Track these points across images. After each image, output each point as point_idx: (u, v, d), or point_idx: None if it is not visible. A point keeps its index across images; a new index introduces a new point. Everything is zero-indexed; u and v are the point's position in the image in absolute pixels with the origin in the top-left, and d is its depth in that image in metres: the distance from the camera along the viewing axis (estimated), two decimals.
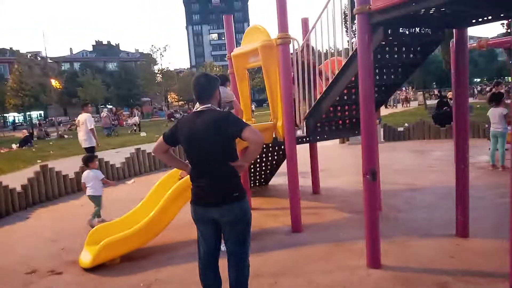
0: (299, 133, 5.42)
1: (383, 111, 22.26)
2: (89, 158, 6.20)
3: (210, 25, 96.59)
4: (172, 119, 32.87)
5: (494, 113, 7.26)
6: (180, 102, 56.28)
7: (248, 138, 2.54)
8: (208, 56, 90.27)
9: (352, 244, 4.38)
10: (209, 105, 2.71)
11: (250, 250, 2.86)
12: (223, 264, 2.87)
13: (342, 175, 8.06)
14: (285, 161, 5.43)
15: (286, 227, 5.05)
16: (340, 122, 5.47)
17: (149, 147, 10.52)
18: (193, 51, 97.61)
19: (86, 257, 4.33)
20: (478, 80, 54.92)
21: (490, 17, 3.37)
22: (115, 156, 11.47)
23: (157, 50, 48.68)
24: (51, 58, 44.61)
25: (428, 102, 26.78)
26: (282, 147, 6.00)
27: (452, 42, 4.20)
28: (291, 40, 4.81)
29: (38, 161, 12.60)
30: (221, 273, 2.91)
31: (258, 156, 6.52)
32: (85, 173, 6.00)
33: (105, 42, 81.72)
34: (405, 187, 6.69)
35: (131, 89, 53.55)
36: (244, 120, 3.01)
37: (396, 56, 4.04)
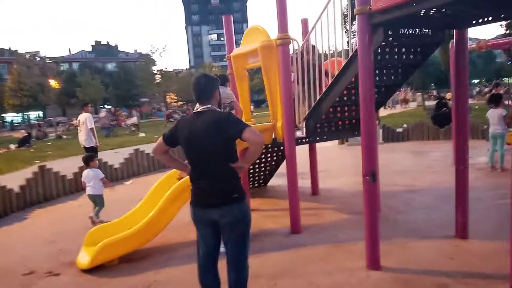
0: (298, 133, 5.41)
1: (382, 112, 22.26)
2: (90, 157, 6.21)
3: (209, 26, 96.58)
4: (171, 120, 32.82)
5: (493, 114, 7.26)
6: (179, 103, 56.23)
7: (248, 139, 2.53)
8: (207, 57, 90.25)
9: (351, 245, 4.37)
10: (209, 105, 2.69)
11: (249, 251, 2.85)
12: (222, 266, 2.86)
13: (341, 176, 8.05)
14: (284, 162, 5.42)
15: (285, 228, 5.03)
16: (340, 123, 5.46)
17: (147, 148, 10.53)
18: (192, 51, 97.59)
19: (84, 258, 4.30)
20: (477, 81, 55.01)
21: (490, 18, 3.37)
22: (114, 157, 11.44)
23: (156, 50, 48.72)
24: (49, 58, 44.54)
25: (427, 103, 26.80)
26: (281, 148, 5.99)
27: (452, 43, 4.20)
28: (291, 40, 4.80)
29: (37, 161, 12.57)
30: (220, 274, 2.90)
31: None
32: (85, 172, 6.01)
33: (104, 43, 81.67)
34: (404, 188, 6.68)
35: (130, 90, 53.47)
36: (244, 121, 2.99)
37: (396, 56, 4.04)
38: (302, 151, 5.95)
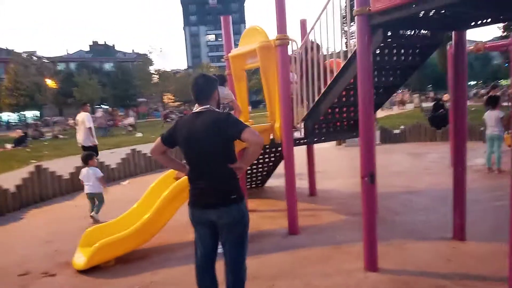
0: (296, 134, 5.40)
1: (379, 113, 22.29)
2: (89, 155, 6.22)
3: (207, 26, 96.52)
4: (168, 120, 32.78)
5: (491, 116, 7.28)
6: (176, 103, 56.20)
7: (248, 139, 2.51)
8: (204, 57, 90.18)
9: (349, 246, 4.36)
10: (208, 106, 2.68)
11: (247, 253, 2.83)
12: (220, 267, 2.84)
13: (338, 177, 8.05)
14: (282, 162, 5.40)
15: (283, 229, 5.02)
16: (338, 124, 5.45)
17: (144, 148, 10.50)
18: (190, 52, 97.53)
19: (80, 259, 4.27)
20: (474, 83, 55.22)
21: (489, 20, 3.37)
22: (111, 157, 11.39)
23: (153, 50, 48.74)
24: (47, 58, 44.43)
25: (424, 104, 26.88)
26: (279, 148, 5.98)
27: (450, 45, 4.21)
28: (290, 41, 4.79)
29: (33, 161, 12.50)
30: (218, 275, 2.88)
31: None
32: (84, 170, 6.00)
33: (102, 43, 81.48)
34: (401, 189, 6.69)
35: (127, 90, 53.39)
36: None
37: (395, 58, 4.04)
38: (299, 151, 5.94)
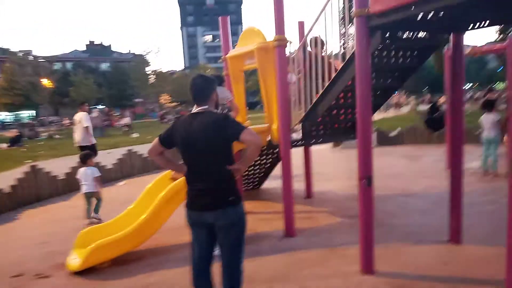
0: (293, 136, 5.39)
1: (375, 115, 22.33)
2: (87, 155, 6.20)
3: (204, 27, 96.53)
4: (165, 120, 32.76)
5: (487, 119, 7.30)
6: (173, 104, 56.13)
7: (246, 140, 2.50)
8: (202, 58, 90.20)
9: (345, 249, 4.35)
10: (206, 106, 2.66)
11: (244, 255, 2.81)
12: (216, 269, 2.82)
13: (334, 179, 8.05)
14: (278, 164, 5.39)
15: (280, 232, 5.00)
16: (336, 126, 5.45)
17: (141, 149, 10.46)
18: (187, 52, 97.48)
19: (75, 260, 4.23)
20: (469, 86, 55.54)
21: (488, 22, 3.37)
22: (107, 157, 11.33)
23: (150, 51, 48.70)
24: (43, 57, 44.22)
25: (420, 107, 26.96)
26: (276, 150, 5.97)
27: (447, 47, 4.21)
28: (288, 42, 4.78)
29: (29, 161, 12.42)
30: (214, 278, 2.86)
31: None
32: (82, 170, 5.98)
33: (100, 43, 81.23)
34: (398, 192, 6.69)
35: (123, 90, 53.24)
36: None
37: (393, 60, 4.03)
38: (296, 153, 5.93)
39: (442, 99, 18.38)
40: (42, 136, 25.71)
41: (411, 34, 3.69)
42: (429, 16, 3.16)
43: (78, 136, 9.08)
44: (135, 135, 22.09)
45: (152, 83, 51.08)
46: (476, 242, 4.29)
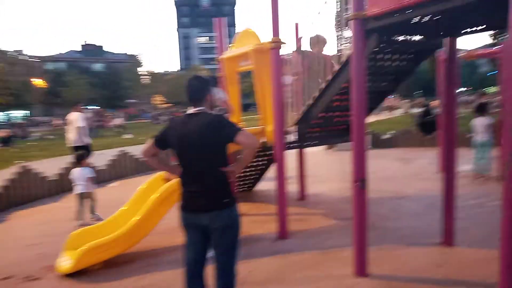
0: (288, 138, 5.38)
1: (369, 118, 22.42)
2: (82, 155, 6.18)
3: (199, 28, 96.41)
4: (158, 121, 32.67)
5: (480, 123, 7.35)
6: (167, 105, 55.95)
7: (242, 142, 2.48)
8: (196, 59, 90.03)
9: (339, 251, 4.34)
10: (202, 107, 2.64)
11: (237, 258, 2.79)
12: (209, 271, 2.79)
13: (327, 181, 8.05)
14: (272, 166, 5.37)
15: (273, 234, 4.98)
16: (330, 128, 5.44)
17: (134, 149, 10.38)
18: (183, 53, 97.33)
19: (66, 262, 4.17)
20: (462, 90, 55.97)
21: (484, 26, 3.40)
22: (99, 158, 11.24)
23: (144, 52, 48.62)
24: (36, 57, 43.87)
25: (412, 110, 27.13)
26: (270, 152, 5.95)
27: (440, 51, 4.23)
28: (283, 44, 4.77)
29: (20, 161, 12.26)
30: (207, 280, 2.83)
31: None
32: (75, 170, 5.95)
33: (95, 43, 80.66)
34: (391, 194, 6.70)
35: (117, 91, 52.98)
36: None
37: (389, 63, 4.04)
38: (289, 155, 5.92)
39: (434, 103, 18.50)
40: (34, 136, 25.47)
41: (407, 37, 3.70)
42: (426, 19, 3.17)
43: (72, 136, 8.98)
44: (128, 136, 21.96)
45: (145, 84, 50.88)
46: (469, 244, 4.31)
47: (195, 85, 2.68)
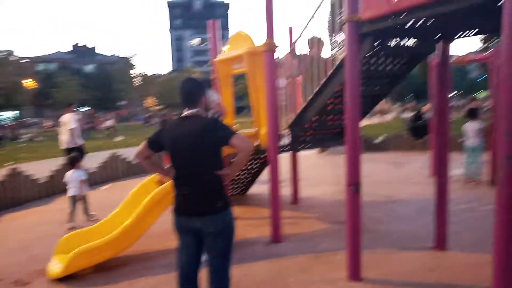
0: (281, 141, 5.37)
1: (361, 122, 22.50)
2: (75, 158, 6.13)
3: (192, 30, 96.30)
4: (150, 124, 32.52)
5: (471, 127, 7.41)
6: (158, 107, 55.70)
7: (237, 145, 2.47)
8: (189, 61, 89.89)
9: (332, 255, 4.33)
10: (196, 110, 2.62)
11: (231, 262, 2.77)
12: (202, 275, 2.77)
13: (321, 185, 8.05)
14: (265, 169, 5.36)
15: (266, 238, 4.96)
16: (324, 131, 5.45)
17: (125, 152, 10.30)
18: (175, 55, 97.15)
19: (56, 266, 4.11)
20: (453, 94, 56.48)
21: (477, 30, 3.43)
22: (90, 161, 11.14)
23: (136, 54, 48.52)
24: (26, 58, 43.42)
25: (403, 115, 27.33)
26: (264, 155, 5.94)
27: (434, 55, 4.26)
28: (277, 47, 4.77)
29: (9, 163, 12.11)
30: (200, 284, 2.80)
31: None
32: (69, 173, 5.92)
33: (87, 45, 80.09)
34: (384, 198, 6.72)
35: (108, 92, 52.62)
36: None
37: (383, 66, 4.06)
38: (282, 158, 5.91)
39: (426, 107, 18.65)
40: (24, 138, 25.18)
41: (401, 41, 3.72)
42: (420, 23, 3.19)
43: (65, 138, 8.89)
44: (119, 138, 21.81)
45: (137, 86, 50.65)
46: (461, 249, 4.33)
47: (189, 87, 2.67)
